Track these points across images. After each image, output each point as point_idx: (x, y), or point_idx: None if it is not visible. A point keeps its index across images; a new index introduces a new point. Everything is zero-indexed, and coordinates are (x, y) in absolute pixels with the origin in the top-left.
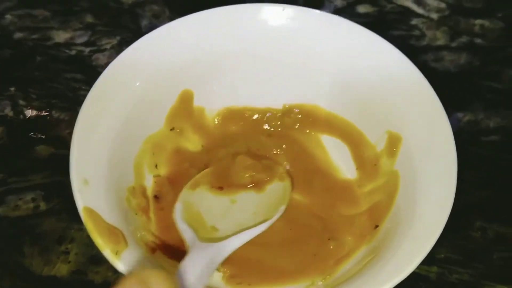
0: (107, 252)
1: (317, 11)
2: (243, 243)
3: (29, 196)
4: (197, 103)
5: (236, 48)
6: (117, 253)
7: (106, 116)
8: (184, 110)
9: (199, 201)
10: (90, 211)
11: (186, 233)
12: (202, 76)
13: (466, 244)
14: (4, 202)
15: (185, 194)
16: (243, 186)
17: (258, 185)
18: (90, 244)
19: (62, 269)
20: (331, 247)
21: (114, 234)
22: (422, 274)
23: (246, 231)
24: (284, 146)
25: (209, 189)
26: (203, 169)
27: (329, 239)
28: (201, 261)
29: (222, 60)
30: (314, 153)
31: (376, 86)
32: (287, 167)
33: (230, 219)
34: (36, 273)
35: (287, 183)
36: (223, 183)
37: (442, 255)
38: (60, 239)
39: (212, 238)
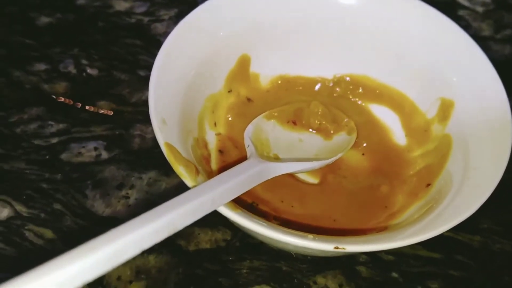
0: (188, 181)
1: None
2: (294, 171)
3: (91, 145)
4: (253, 69)
5: (291, 18)
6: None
7: (176, 71)
8: (241, 74)
9: (270, 130)
10: (170, 146)
11: (249, 148)
12: (259, 43)
13: (509, 217)
14: (67, 149)
15: (259, 121)
16: (312, 129)
17: (326, 132)
18: (149, 191)
19: (122, 211)
20: (384, 205)
21: (192, 166)
22: (465, 242)
23: (299, 162)
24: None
25: (282, 123)
26: None
27: (381, 196)
28: (249, 170)
29: (278, 29)
30: (369, 117)
31: (428, 55)
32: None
33: (293, 154)
34: (98, 213)
35: (353, 137)
36: (296, 120)
37: (485, 226)
38: (121, 186)
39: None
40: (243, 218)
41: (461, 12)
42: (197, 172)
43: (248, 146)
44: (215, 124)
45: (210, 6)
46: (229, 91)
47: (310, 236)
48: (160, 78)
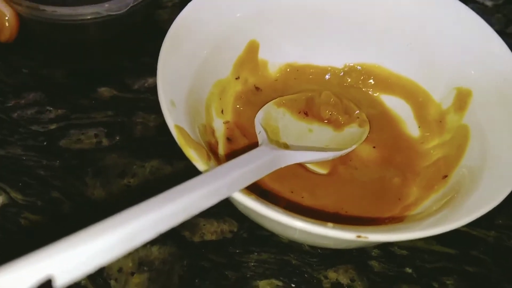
0: (199, 164)
1: None
2: (307, 161)
3: (91, 132)
4: (261, 55)
5: (302, 4)
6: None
7: (184, 54)
8: (250, 60)
9: (280, 118)
10: (180, 129)
11: (260, 134)
12: (268, 29)
13: None
14: (66, 135)
15: (269, 107)
16: (323, 120)
17: (336, 124)
18: (152, 180)
19: (124, 201)
20: (398, 198)
21: (202, 150)
22: (480, 237)
23: (313, 152)
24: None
25: (292, 112)
26: None
27: (393, 188)
28: (263, 157)
29: (288, 15)
30: (380, 108)
31: (444, 43)
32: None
33: (303, 143)
34: (98, 202)
35: (366, 129)
36: (307, 111)
37: (500, 221)
38: (122, 174)
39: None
40: (261, 205)
41: (470, 6)
42: (209, 156)
43: (260, 132)
44: (222, 111)
45: None
46: (236, 78)
47: (330, 224)
48: (168, 59)
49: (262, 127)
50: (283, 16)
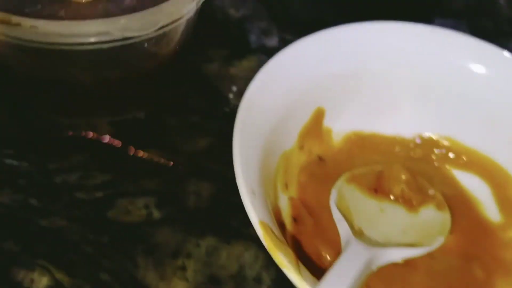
0: (292, 273)
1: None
2: (401, 259)
3: (140, 202)
4: (326, 123)
5: (371, 69)
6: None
7: (255, 129)
8: (315, 128)
9: (350, 197)
10: (265, 226)
11: (341, 224)
12: (334, 95)
13: None
14: (114, 205)
15: (341, 184)
16: (393, 197)
17: (409, 204)
18: (209, 262)
19: (179, 285)
20: None
21: (290, 252)
22: None
23: (404, 249)
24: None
25: (362, 189)
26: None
27: (476, 283)
28: (360, 260)
29: (356, 80)
30: (455, 186)
31: None
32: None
33: (378, 227)
34: (151, 287)
35: (446, 214)
36: (377, 187)
37: None
38: (176, 253)
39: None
40: None
41: None
42: (297, 260)
43: (340, 221)
44: (286, 186)
45: (287, 55)
46: (300, 148)
47: None
48: (242, 141)
49: (342, 213)
50: (349, 82)
